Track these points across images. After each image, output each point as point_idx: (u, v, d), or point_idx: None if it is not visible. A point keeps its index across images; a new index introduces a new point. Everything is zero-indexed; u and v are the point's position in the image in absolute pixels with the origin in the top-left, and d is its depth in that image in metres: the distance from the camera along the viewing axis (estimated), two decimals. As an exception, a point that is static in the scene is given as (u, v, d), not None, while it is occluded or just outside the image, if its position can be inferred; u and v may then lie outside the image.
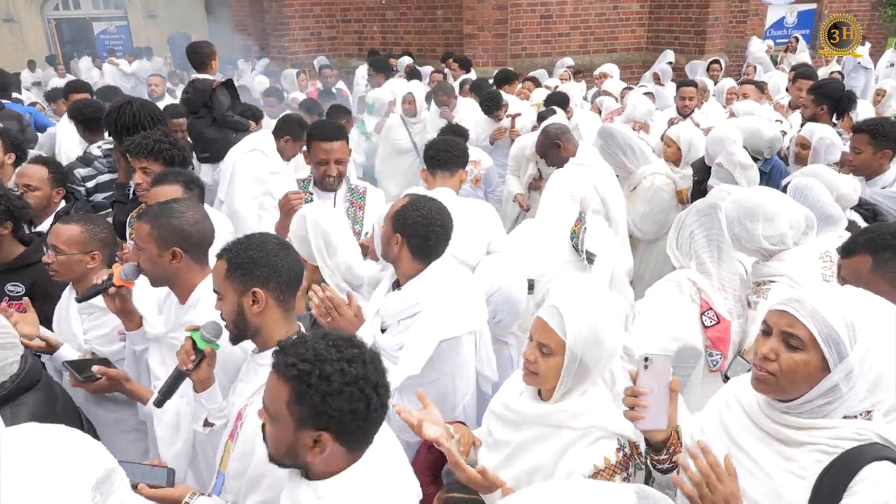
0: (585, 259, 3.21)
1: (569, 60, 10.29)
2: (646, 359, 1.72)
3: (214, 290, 2.02)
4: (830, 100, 4.94)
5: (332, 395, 1.41)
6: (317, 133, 3.40)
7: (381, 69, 8.82)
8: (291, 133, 4.55)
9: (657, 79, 8.73)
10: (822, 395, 1.55)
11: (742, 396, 1.74)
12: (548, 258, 3.27)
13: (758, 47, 10.61)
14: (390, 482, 1.58)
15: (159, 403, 2.10)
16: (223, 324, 2.03)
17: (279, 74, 10.23)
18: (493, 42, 11.29)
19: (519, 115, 6.16)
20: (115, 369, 2.42)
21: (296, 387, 1.43)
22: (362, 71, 10.14)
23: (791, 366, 1.56)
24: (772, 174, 4.38)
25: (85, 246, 2.69)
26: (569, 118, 6.07)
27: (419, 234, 2.37)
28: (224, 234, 3.37)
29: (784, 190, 3.14)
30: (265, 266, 1.94)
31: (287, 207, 3.17)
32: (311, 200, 3.33)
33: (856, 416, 1.58)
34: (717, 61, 8.96)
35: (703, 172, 4.52)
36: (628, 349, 2.07)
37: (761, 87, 6.59)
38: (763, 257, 2.73)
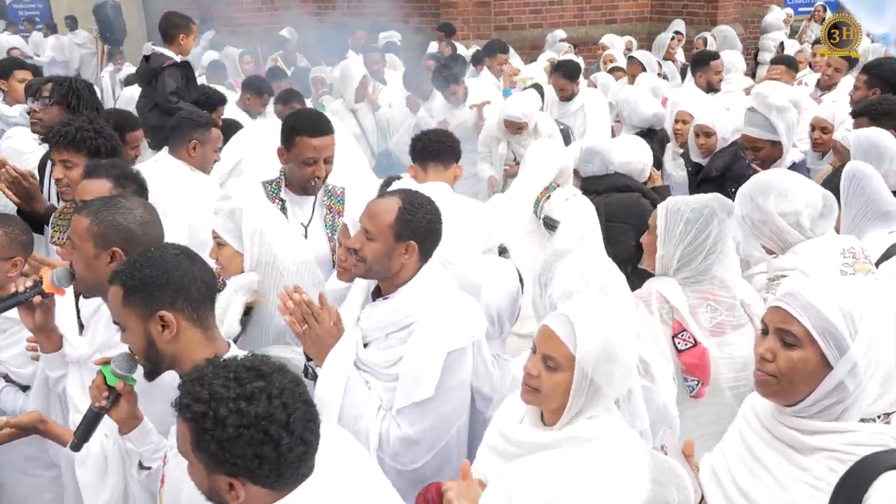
0: (543, 226, 3.41)
1: (561, 33, 10.27)
2: (662, 447, 1.86)
3: (115, 322, 1.98)
4: (887, 84, 4.80)
5: (229, 441, 1.41)
6: (303, 127, 3.21)
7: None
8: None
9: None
10: (829, 395, 1.60)
11: (757, 404, 1.81)
12: (508, 228, 3.48)
13: (776, 17, 10.65)
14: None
15: (76, 447, 2.03)
16: None
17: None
18: (475, 11, 11.23)
19: (488, 103, 6.13)
20: (25, 415, 2.27)
21: (194, 431, 1.44)
22: None
23: (789, 365, 1.62)
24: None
25: (5, 251, 2.65)
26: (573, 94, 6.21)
27: (434, 234, 2.41)
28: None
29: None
30: (168, 283, 1.89)
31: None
32: (284, 208, 3.25)
33: (874, 420, 1.64)
34: (679, 32, 9.04)
35: (697, 163, 4.50)
36: (644, 362, 2.12)
37: (795, 65, 6.60)
38: (779, 248, 2.76)
